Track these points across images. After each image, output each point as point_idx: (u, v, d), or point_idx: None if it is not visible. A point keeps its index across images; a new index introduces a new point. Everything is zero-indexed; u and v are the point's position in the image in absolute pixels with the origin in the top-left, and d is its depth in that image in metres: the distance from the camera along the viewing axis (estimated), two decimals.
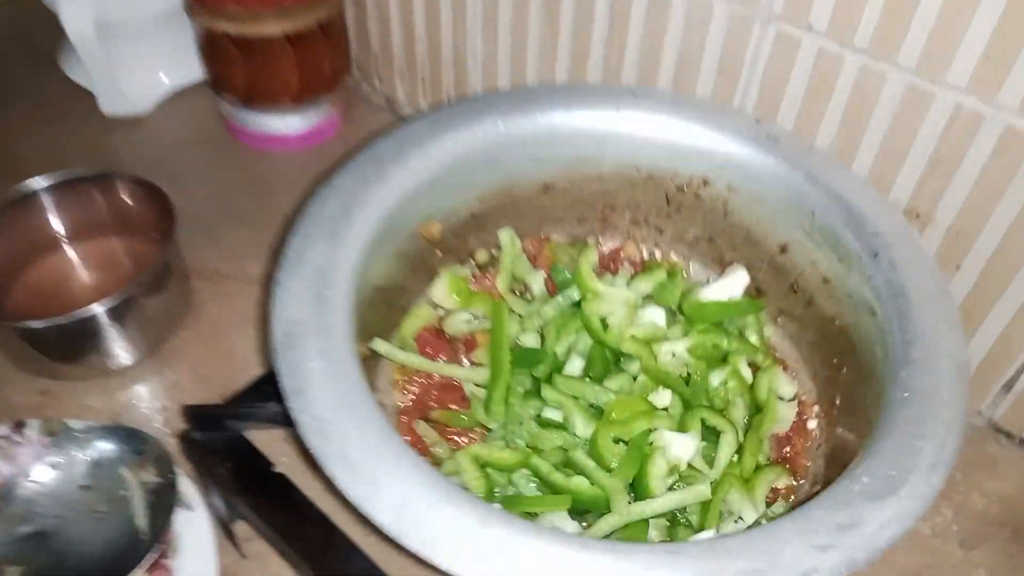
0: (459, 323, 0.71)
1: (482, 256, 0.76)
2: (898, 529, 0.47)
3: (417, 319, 0.71)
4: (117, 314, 0.76)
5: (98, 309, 0.73)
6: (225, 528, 0.69)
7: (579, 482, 0.58)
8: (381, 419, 0.51)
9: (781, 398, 0.67)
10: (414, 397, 0.68)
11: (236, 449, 0.69)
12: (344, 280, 0.56)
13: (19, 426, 0.70)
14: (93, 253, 0.91)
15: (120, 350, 0.81)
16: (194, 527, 0.66)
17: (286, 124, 1.06)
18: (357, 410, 0.51)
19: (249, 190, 1.02)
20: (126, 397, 0.82)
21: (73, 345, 0.78)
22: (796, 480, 0.64)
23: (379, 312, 0.67)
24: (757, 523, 0.59)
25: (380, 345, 0.65)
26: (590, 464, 0.59)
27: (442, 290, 0.71)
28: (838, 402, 0.65)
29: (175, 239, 0.81)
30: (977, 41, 0.60)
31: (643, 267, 0.77)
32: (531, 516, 0.59)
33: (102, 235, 0.90)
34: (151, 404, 0.81)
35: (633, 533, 0.57)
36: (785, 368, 0.70)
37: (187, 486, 0.71)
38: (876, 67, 0.66)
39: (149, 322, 0.82)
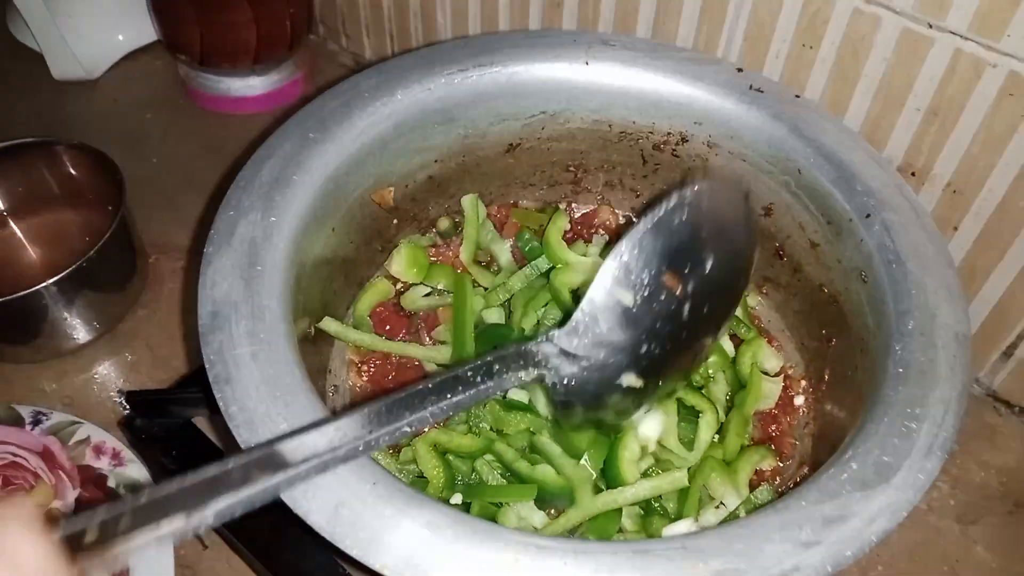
0: (418, 298, 0.69)
1: (444, 224, 0.74)
2: (889, 522, 0.44)
3: (373, 294, 0.68)
4: (66, 291, 0.73)
5: (46, 285, 0.71)
6: None
7: (544, 471, 0.57)
8: (317, 409, 0.47)
9: (766, 373, 0.66)
10: (370, 378, 0.66)
11: (181, 437, 0.68)
12: (278, 254, 0.54)
13: None
14: (40, 227, 0.87)
15: (73, 329, 0.78)
16: None
17: (246, 86, 1.03)
18: (289, 399, 0.47)
19: (209, 157, 0.98)
20: (80, 380, 0.79)
21: (22, 325, 0.75)
22: (782, 461, 0.63)
23: (329, 287, 0.64)
24: (737, 513, 0.57)
25: (329, 324, 0.63)
26: (555, 450, 0.58)
27: (400, 262, 0.68)
28: (827, 377, 0.63)
29: (126, 210, 0.78)
30: None
31: (618, 234, 0.72)
32: (496, 506, 0.57)
33: (49, 208, 0.86)
34: (106, 387, 0.78)
35: (603, 524, 0.55)
36: (770, 340, 0.68)
37: (141, 472, 0.68)
38: (869, 10, 0.62)
39: (102, 299, 0.79)
